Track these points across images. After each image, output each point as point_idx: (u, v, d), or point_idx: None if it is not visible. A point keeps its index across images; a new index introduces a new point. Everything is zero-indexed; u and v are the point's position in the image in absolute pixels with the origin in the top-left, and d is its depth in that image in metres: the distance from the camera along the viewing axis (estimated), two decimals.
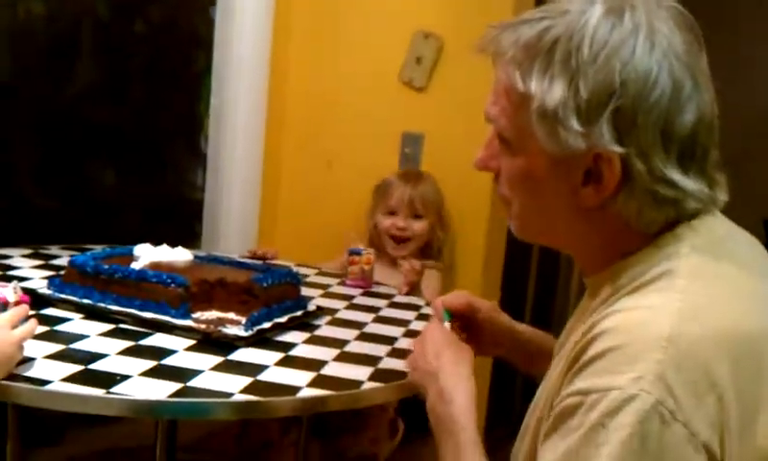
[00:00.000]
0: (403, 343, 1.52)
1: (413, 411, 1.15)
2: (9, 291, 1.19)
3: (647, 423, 0.77)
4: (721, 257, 0.90)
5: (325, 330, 1.57)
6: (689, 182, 0.86)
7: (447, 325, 1.21)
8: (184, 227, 2.64)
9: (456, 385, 1.06)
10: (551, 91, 0.86)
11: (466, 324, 1.25)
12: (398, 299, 1.92)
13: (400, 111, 2.52)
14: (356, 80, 2.59)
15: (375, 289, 1.98)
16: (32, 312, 1.40)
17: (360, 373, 1.32)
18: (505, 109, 0.93)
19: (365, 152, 2.57)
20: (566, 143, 0.85)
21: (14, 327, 1.15)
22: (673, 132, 0.84)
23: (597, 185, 0.87)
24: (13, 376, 1.13)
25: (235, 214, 2.52)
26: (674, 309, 0.82)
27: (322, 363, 1.36)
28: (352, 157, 2.58)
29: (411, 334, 1.57)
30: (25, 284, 1.61)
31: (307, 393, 1.22)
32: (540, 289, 3.19)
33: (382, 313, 1.76)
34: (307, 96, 2.69)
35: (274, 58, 2.55)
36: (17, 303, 1.18)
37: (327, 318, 1.65)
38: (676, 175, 0.85)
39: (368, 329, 1.61)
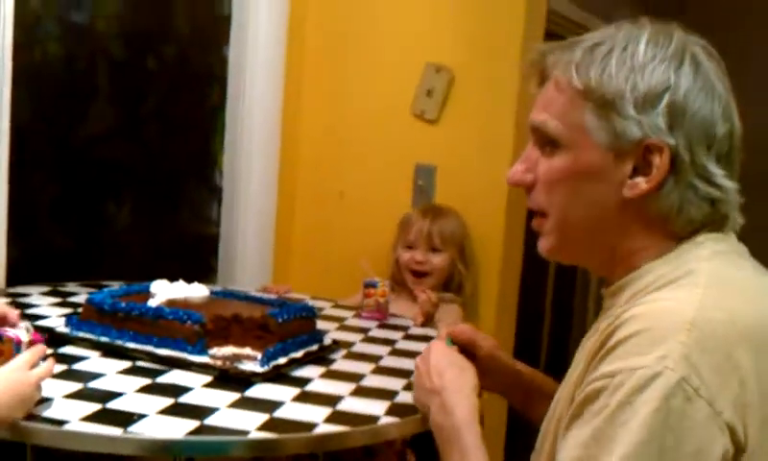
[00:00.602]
0: None
1: (425, 443, 1.16)
2: (22, 331, 1.19)
3: (672, 399, 0.79)
4: (741, 263, 0.96)
5: (342, 364, 1.57)
6: (727, 182, 0.93)
7: (453, 348, 1.26)
8: (200, 262, 2.66)
9: (458, 400, 1.11)
10: (610, 83, 0.93)
11: (467, 357, 1.27)
12: (414, 331, 1.92)
13: (413, 143, 2.53)
14: (369, 113, 2.61)
15: (391, 321, 1.98)
16: (50, 351, 1.42)
17: (377, 407, 1.32)
18: (556, 110, 0.98)
19: (378, 185, 2.59)
20: (622, 132, 0.92)
21: (33, 367, 1.15)
22: (715, 133, 0.92)
23: (646, 176, 0.93)
24: (32, 416, 1.13)
25: (250, 248, 2.54)
26: (696, 299, 0.87)
27: (338, 398, 1.36)
28: (366, 190, 2.60)
29: None
30: (43, 322, 1.62)
31: (324, 429, 1.22)
32: (556, 318, 3.18)
33: (398, 345, 1.76)
34: (320, 130, 2.71)
35: (286, 92, 2.58)
36: (31, 343, 1.19)
37: (343, 352, 1.65)
38: (717, 172, 0.92)
39: (384, 363, 1.60)
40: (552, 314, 3.15)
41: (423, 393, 1.19)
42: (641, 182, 0.93)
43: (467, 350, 1.30)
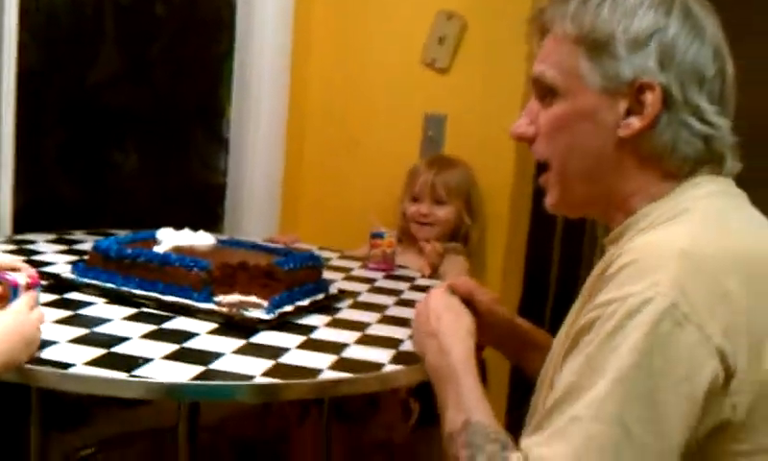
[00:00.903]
0: None
1: (428, 393, 1.16)
2: (21, 275, 1.19)
3: (661, 323, 0.82)
4: (737, 202, 1.00)
5: (347, 313, 1.57)
6: (719, 119, 0.97)
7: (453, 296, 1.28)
8: (207, 211, 2.65)
9: (453, 342, 1.14)
10: (601, 28, 0.97)
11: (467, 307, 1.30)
12: (420, 281, 1.91)
13: (423, 93, 2.50)
14: (379, 61, 2.58)
15: (398, 272, 1.98)
16: (56, 297, 1.43)
17: (381, 355, 1.31)
18: (553, 60, 1.02)
19: (387, 134, 2.56)
20: (615, 73, 0.96)
21: (32, 309, 1.15)
22: (705, 73, 0.96)
23: (639, 115, 0.96)
24: (37, 360, 1.13)
25: (257, 198, 2.53)
26: (688, 231, 0.91)
27: (343, 346, 1.35)
28: (375, 140, 2.57)
29: None
30: (49, 269, 1.62)
31: (328, 375, 1.22)
32: (564, 270, 3.16)
33: (404, 296, 1.75)
34: (329, 78, 2.68)
35: (295, 40, 2.55)
36: (29, 286, 1.18)
37: (349, 301, 1.65)
38: (708, 108, 0.96)
39: (389, 312, 1.60)
40: (559, 266, 3.14)
41: (421, 336, 1.22)
42: (635, 121, 0.96)
43: (466, 302, 1.31)
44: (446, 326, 1.18)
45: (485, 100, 2.38)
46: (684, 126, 0.96)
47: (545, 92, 1.04)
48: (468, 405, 1.04)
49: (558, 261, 3.14)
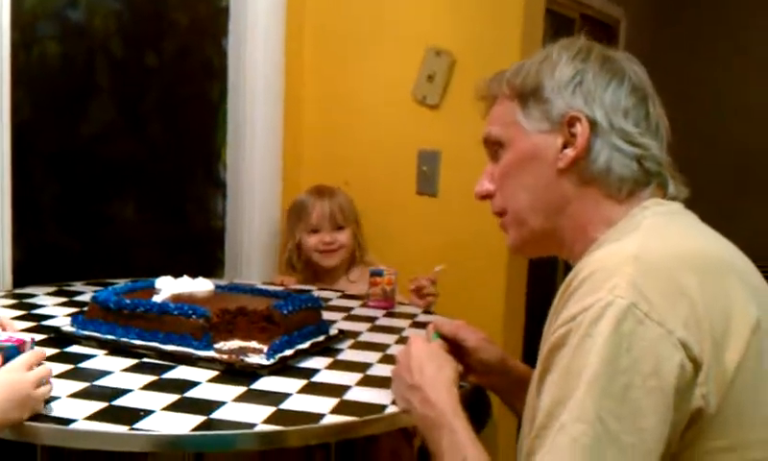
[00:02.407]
0: None
1: None
2: (21, 335, 1.19)
3: (623, 323, 0.87)
4: (684, 219, 1.07)
5: (348, 354, 1.57)
6: (646, 140, 1.06)
7: (435, 342, 1.31)
8: (207, 256, 2.66)
9: (439, 392, 1.16)
10: (531, 81, 1.09)
11: (453, 348, 1.33)
12: (421, 318, 1.91)
13: (416, 129, 2.52)
14: (370, 100, 2.60)
15: (398, 309, 1.98)
16: (56, 350, 1.43)
17: (383, 397, 1.31)
18: (496, 119, 1.15)
19: (382, 171, 2.58)
20: (546, 114, 1.08)
21: (31, 368, 1.15)
22: (627, 105, 1.06)
23: (573, 146, 1.06)
24: (39, 417, 1.13)
25: (256, 240, 2.54)
26: (638, 239, 0.98)
27: (345, 388, 1.35)
28: (370, 178, 2.59)
29: None
30: (49, 322, 1.63)
31: (331, 420, 1.22)
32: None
33: (405, 333, 1.75)
34: (322, 119, 2.70)
35: (287, 84, 2.57)
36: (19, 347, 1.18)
37: (350, 341, 1.65)
38: (634, 131, 1.05)
39: (390, 351, 1.60)
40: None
41: (404, 387, 1.22)
42: (569, 152, 1.06)
43: (455, 343, 1.33)
44: (430, 378, 1.19)
45: (476, 136, 2.39)
46: (615, 149, 1.05)
47: (495, 149, 1.15)
48: (463, 445, 1.06)
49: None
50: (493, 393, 1.44)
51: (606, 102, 1.06)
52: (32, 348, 1.19)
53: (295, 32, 2.60)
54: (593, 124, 1.05)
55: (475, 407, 1.26)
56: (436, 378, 1.19)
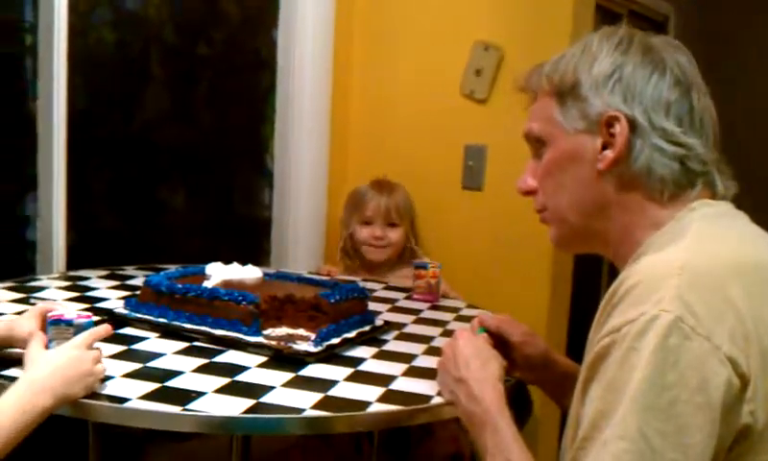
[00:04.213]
0: None
1: None
2: (71, 311, 1.22)
3: (669, 338, 0.85)
4: (733, 221, 1.04)
5: (393, 345, 1.58)
6: (689, 139, 1.02)
7: (481, 336, 1.31)
8: (254, 245, 2.69)
9: (484, 388, 1.16)
10: (569, 76, 1.06)
11: (498, 343, 1.32)
12: (465, 312, 1.92)
13: (463, 124, 2.52)
14: (417, 94, 2.61)
15: (442, 303, 1.99)
16: (107, 331, 1.45)
17: (429, 388, 1.32)
18: (536, 115, 1.12)
19: (428, 165, 2.58)
20: (584, 113, 1.05)
21: (90, 347, 1.19)
22: (669, 100, 1.02)
23: (612, 148, 1.03)
24: (94, 395, 1.16)
25: (302, 231, 2.56)
26: (684, 248, 0.95)
27: (391, 378, 1.37)
28: (416, 171, 2.59)
29: None
30: (102, 304, 1.66)
31: (377, 408, 1.23)
32: None
33: (449, 326, 1.76)
34: (370, 112, 2.71)
35: (336, 75, 2.59)
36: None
37: (395, 333, 1.66)
38: (676, 130, 1.01)
39: (435, 343, 1.61)
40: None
41: (450, 379, 1.23)
42: (609, 153, 1.03)
43: (499, 337, 1.33)
44: (475, 372, 1.19)
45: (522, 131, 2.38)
46: (656, 149, 1.01)
47: (536, 146, 1.13)
48: (507, 446, 1.07)
49: (606, 283, 3.11)
50: (538, 388, 1.44)
51: (646, 98, 1.02)
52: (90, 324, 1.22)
53: (344, 24, 2.62)
54: (633, 124, 1.01)
55: (517, 404, 1.26)
56: (482, 373, 1.19)
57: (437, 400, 1.28)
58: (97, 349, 1.21)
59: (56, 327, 1.21)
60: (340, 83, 2.62)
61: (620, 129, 1.02)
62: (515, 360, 1.34)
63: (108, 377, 1.23)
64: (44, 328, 1.23)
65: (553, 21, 2.33)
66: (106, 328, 1.24)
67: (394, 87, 2.66)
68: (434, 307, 1.94)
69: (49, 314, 1.23)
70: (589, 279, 2.72)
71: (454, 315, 1.87)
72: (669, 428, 0.84)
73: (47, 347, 1.19)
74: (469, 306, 1.99)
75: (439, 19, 2.56)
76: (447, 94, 2.53)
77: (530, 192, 1.15)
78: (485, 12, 2.48)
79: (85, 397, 1.15)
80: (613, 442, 0.85)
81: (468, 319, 1.83)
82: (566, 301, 2.51)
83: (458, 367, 1.21)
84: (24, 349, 1.19)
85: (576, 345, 2.40)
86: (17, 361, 1.22)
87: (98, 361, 1.18)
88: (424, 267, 2.01)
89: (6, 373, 1.22)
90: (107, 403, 1.16)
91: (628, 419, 0.85)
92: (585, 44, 1.08)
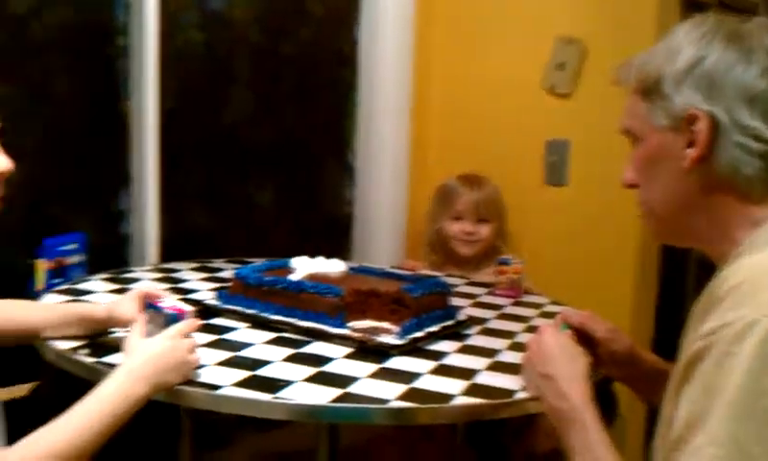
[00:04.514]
0: None
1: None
2: (181, 304, 1.27)
3: None
4: None
5: (476, 340, 1.59)
6: None
7: (566, 332, 1.30)
8: (336, 240, 2.73)
9: (571, 386, 1.15)
10: (653, 72, 1.05)
11: (582, 339, 1.31)
12: (548, 308, 1.90)
13: (544, 119, 2.50)
14: (498, 87, 2.60)
15: (525, 299, 1.98)
16: (202, 322, 1.51)
17: (513, 382, 1.32)
18: (628, 111, 1.11)
19: (509, 161, 2.57)
20: (667, 111, 1.03)
21: (186, 337, 1.23)
22: (754, 92, 0.98)
23: (695, 146, 1.00)
24: (188, 382, 1.21)
25: (384, 226, 2.58)
26: None
27: (474, 372, 1.38)
28: (497, 166, 2.58)
29: None
30: (194, 296, 1.72)
31: (462, 401, 1.24)
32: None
33: (533, 323, 1.75)
34: (451, 108, 2.72)
35: (416, 71, 2.60)
36: (180, 317, 1.26)
37: (478, 328, 1.67)
38: (761, 126, 0.97)
39: (519, 339, 1.61)
40: (695, 296, 3.02)
41: (535, 375, 1.23)
42: (691, 152, 1.01)
43: (583, 334, 1.32)
44: (562, 369, 1.19)
45: (608, 125, 2.32)
46: (740, 147, 0.98)
47: (631, 141, 1.12)
48: (594, 445, 1.06)
49: (693, 291, 3.03)
50: (624, 384, 1.42)
51: (728, 91, 0.98)
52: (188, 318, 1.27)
53: (425, 21, 2.63)
54: (714, 121, 0.98)
55: (603, 402, 1.25)
56: (569, 370, 1.19)
57: (521, 394, 1.28)
58: (191, 338, 1.26)
59: (151, 312, 1.26)
60: (421, 79, 2.63)
61: (701, 127, 0.99)
62: (600, 356, 1.33)
63: (202, 365, 1.27)
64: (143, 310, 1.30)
65: (638, 13, 2.29)
66: (193, 323, 1.28)
67: (475, 83, 2.66)
68: (517, 303, 1.93)
69: (157, 303, 1.29)
70: (677, 277, 2.65)
71: (537, 311, 1.87)
72: (766, 435, 0.82)
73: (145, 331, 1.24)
74: (553, 303, 1.97)
75: (521, 14, 2.55)
76: (529, 89, 2.51)
77: (633, 185, 1.14)
78: (567, 5, 2.46)
79: (180, 384, 1.19)
80: (706, 447, 0.84)
81: (551, 315, 1.82)
82: (652, 299, 2.46)
83: (544, 363, 1.21)
84: (124, 330, 1.25)
85: (662, 343, 2.36)
86: (116, 348, 1.28)
87: (192, 350, 1.23)
88: (507, 263, 2.00)
89: (106, 360, 1.28)
90: (201, 390, 1.20)
91: (722, 424, 0.84)
92: (671, 37, 1.06)
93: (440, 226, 2.38)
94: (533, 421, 2.03)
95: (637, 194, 1.14)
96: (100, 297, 1.68)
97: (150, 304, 1.29)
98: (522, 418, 1.97)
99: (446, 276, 2.16)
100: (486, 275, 2.26)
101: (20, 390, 1.76)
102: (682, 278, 2.89)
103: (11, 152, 1.07)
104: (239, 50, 2.50)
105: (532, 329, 1.68)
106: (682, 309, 2.90)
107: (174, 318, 1.24)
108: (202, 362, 1.27)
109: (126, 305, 1.34)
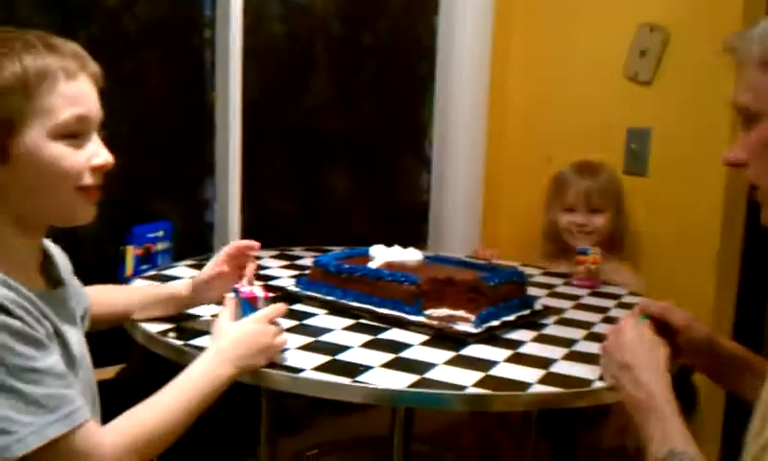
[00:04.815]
0: None
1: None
2: (258, 289, 1.31)
3: None
4: None
5: (553, 329, 1.59)
6: None
7: (645, 322, 1.28)
8: (411, 228, 2.76)
9: (651, 375, 1.14)
10: None
11: (661, 329, 1.29)
12: (627, 299, 1.89)
13: (625, 106, 2.46)
14: (579, 75, 2.57)
15: (603, 289, 1.96)
16: (287, 307, 1.55)
17: (589, 372, 1.32)
18: (746, 84, 1.02)
19: (588, 148, 2.53)
20: None
21: (271, 321, 1.28)
22: None
23: None
24: (272, 365, 1.25)
25: (459, 215, 2.59)
26: None
27: (551, 361, 1.38)
28: (575, 154, 2.55)
29: None
30: (275, 282, 1.77)
31: (538, 389, 1.25)
32: None
33: (611, 313, 1.74)
34: (528, 95, 2.71)
35: (495, 60, 2.60)
36: (264, 300, 1.30)
37: (554, 317, 1.67)
38: None
39: (596, 329, 1.60)
40: None
41: (614, 365, 1.22)
42: None
43: (662, 324, 1.31)
44: (641, 358, 1.18)
45: (691, 113, 2.30)
46: None
47: (745, 117, 1.05)
48: (672, 435, 1.05)
49: None
50: (703, 373, 1.40)
51: None
52: (267, 304, 1.30)
53: (504, 8, 2.62)
54: None
55: (682, 395, 1.24)
56: (648, 360, 1.18)
57: (598, 384, 1.28)
58: (278, 324, 1.30)
59: (235, 296, 1.31)
60: (499, 68, 2.63)
61: None
62: (678, 346, 1.31)
63: (284, 350, 1.31)
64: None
65: (722, 0, 2.23)
66: (279, 308, 1.32)
67: (554, 71, 2.64)
68: (594, 294, 1.92)
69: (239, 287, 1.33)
70: (759, 267, 2.58)
71: (615, 302, 1.85)
72: None
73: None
74: (630, 293, 1.96)
75: (602, 2, 2.52)
76: (610, 76, 2.48)
77: (738, 164, 1.07)
78: None
79: (266, 366, 1.24)
80: None
81: (629, 306, 1.81)
82: (733, 288, 2.40)
83: (623, 352, 1.21)
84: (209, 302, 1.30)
85: (743, 331, 2.30)
86: (203, 331, 1.34)
87: (278, 335, 1.27)
88: (585, 252, 1.99)
89: (193, 342, 1.34)
90: (284, 373, 1.24)
91: None
92: None
93: (552, 216, 2.30)
94: (606, 416, 2.01)
95: (749, 176, 1.07)
96: (185, 282, 1.74)
97: (234, 289, 1.34)
98: (595, 411, 1.97)
99: (523, 265, 2.15)
100: (619, 273, 2.16)
101: (108, 372, 1.85)
102: (764, 267, 2.80)
103: (106, 143, 1.12)
104: (319, 41, 2.54)
105: (609, 320, 1.68)
106: (764, 299, 2.82)
107: (244, 303, 1.27)
108: (285, 346, 1.31)
109: (207, 283, 1.41)
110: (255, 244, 1.45)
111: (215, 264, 1.43)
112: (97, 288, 1.40)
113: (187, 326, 1.42)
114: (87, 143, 1.08)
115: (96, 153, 1.09)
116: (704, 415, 2.17)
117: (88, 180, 1.08)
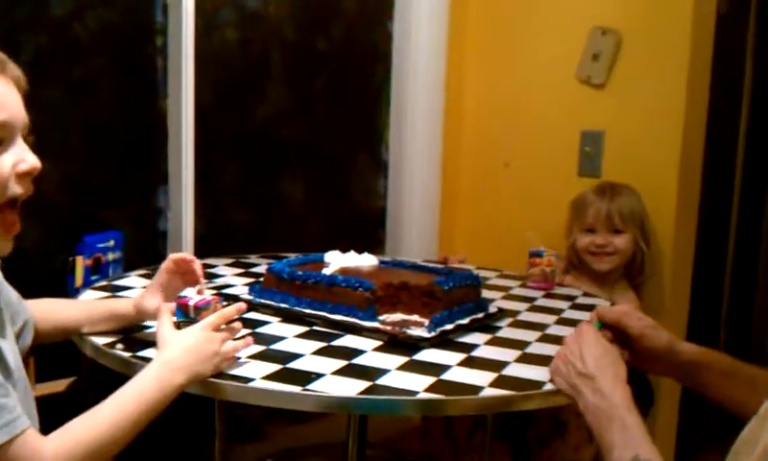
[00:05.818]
0: None
1: None
2: (195, 296, 1.29)
3: None
4: None
5: (507, 332, 1.59)
6: None
7: (606, 332, 1.28)
8: (368, 234, 2.75)
9: (614, 385, 1.12)
10: None
11: (617, 336, 1.29)
12: (581, 300, 1.90)
13: (579, 110, 2.49)
14: (533, 80, 2.59)
15: (557, 291, 1.97)
16: (231, 312, 1.53)
17: (542, 374, 1.32)
18: None
19: (543, 152, 2.56)
20: None
21: (217, 329, 1.25)
22: None
23: None
24: (220, 375, 1.23)
25: (416, 220, 2.60)
26: None
27: (503, 364, 1.38)
28: (530, 158, 2.59)
29: None
30: (229, 291, 1.75)
31: (489, 393, 1.25)
32: (736, 298, 2.97)
33: (564, 315, 1.75)
34: (484, 100, 2.72)
35: (449, 64, 2.61)
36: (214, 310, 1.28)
37: (509, 320, 1.67)
38: None
39: (550, 331, 1.61)
40: (732, 285, 2.98)
41: (574, 374, 1.20)
42: None
43: (618, 331, 1.31)
44: (604, 369, 1.17)
45: (643, 115, 2.33)
46: None
47: None
48: (636, 442, 1.04)
49: (729, 280, 2.98)
50: (670, 378, 1.40)
51: None
52: (204, 310, 1.27)
53: (459, 13, 2.63)
54: None
55: (638, 392, 1.25)
56: (610, 371, 1.17)
57: (549, 386, 1.28)
58: (233, 329, 1.28)
59: (179, 304, 1.29)
60: (454, 72, 2.64)
61: None
62: (636, 352, 1.31)
63: (236, 358, 1.30)
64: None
65: (673, 3, 2.26)
66: (238, 307, 1.30)
67: (508, 75, 2.66)
68: (549, 296, 1.93)
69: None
70: (712, 271, 2.62)
71: (570, 303, 1.86)
72: None
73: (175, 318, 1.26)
74: (585, 295, 1.97)
75: (555, 4, 2.54)
76: (564, 80, 2.50)
77: None
78: None
79: (213, 376, 1.22)
80: None
81: (584, 307, 1.82)
82: (687, 290, 2.44)
83: (584, 362, 1.19)
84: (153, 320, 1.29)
85: (697, 331, 2.32)
86: (152, 343, 1.32)
87: (225, 342, 1.25)
88: (539, 255, 2.00)
89: (142, 354, 1.32)
90: (233, 383, 1.22)
91: None
92: None
93: (574, 239, 2.28)
94: (562, 432, 2.03)
95: None
96: (136, 292, 1.71)
97: (179, 297, 1.31)
98: (551, 427, 1.98)
99: (479, 269, 2.15)
100: (624, 297, 2.17)
101: (57, 385, 1.81)
102: (717, 269, 2.85)
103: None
104: (274, 47, 2.53)
105: (564, 322, 1.69)
106: (718, 299, 2.85)
107: (185, 312, 1.25)
108: (236, 355, 1.29)
109: (150, 298, 1.37)
110: (191, 257, 1.42)
111: (157, 282, 1.40)
112: (44, 302, 1.37)
113: (135, 337, 1.40)
114: (12, 149, 1.04)
115: (22, 158, 1.05)
116: (659, 409, 2.20)
117: (15, 188, 1.04)
